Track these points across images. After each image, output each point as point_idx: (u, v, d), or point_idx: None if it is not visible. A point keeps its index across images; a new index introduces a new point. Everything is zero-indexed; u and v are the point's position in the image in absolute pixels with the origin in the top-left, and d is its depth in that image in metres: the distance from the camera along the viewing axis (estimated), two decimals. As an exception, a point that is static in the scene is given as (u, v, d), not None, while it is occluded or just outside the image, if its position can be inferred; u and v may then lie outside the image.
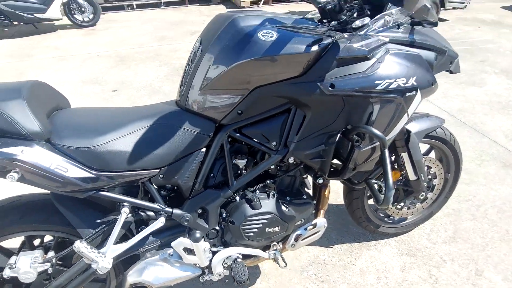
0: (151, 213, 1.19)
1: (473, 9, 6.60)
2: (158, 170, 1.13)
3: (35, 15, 5.05)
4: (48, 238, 1.31)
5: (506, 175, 2.35)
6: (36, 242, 1.29)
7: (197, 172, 1.19)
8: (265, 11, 1.16)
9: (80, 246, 1.04)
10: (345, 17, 1.15)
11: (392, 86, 1.10)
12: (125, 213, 1.12)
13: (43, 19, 5.16)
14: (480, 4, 7.02)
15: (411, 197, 1.71)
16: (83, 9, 5.47)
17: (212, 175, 1.25)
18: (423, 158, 1.65)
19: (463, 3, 5.76)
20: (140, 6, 6.57)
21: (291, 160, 1.25)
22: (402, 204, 1.75)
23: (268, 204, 1.26)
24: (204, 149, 1.18)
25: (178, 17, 6.19)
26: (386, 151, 1.14)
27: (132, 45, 4.79)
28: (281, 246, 1.42)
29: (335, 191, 2.17)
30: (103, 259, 1.08)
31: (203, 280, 1.33)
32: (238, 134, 1.18)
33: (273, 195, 1.28)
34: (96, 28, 5.62)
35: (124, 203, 1.12)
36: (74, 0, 5.31)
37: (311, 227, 1.42)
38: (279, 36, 1.03)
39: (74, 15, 5.50)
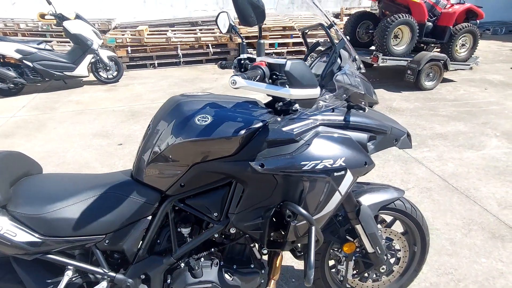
0: (97, 276, 1.27)
1: (482, 70, 6.69)
2: (104, 236, 1.23)
3: (64, 72, 5.62)
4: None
5: (493, 248, 2.25)
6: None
7: (142, 238, 1.27)
8: (213, 95, 1.31)
9: (18, 307, 1.12)
10: (288, 99, 1.27)
11: (319, 166, 1.17)
12: (67, 276, 1.20)
13: (72, 76, 5.72)
14: (490, 65, 7.11)
15: (373, 270, 1.68)
16: (108, 67, 6.04)
17: (158, 242, 1.33)
18: (383, 230, 1.66)
19: (469, 65, 5.87)
20: (160, 65, 7.16)
21: (232, 230, 1.31)
22: (366, 275, 1.73)
23: (210, 273, 1.31)
24: (150, 217, 1.27)
25: (193, 74, 6.66)
26: (313, 228, 1.19)
27: (145, 101, 5.17)
28: (228, 315, 1.42)
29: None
30: (39, 321, 1.15)
31: None
32: (182, 204, 1.27)
33: (217, 264, 1.33)
34: (118, 84, 6.13)
35: (69, 266, 1.21)
36: (101, 59, 5.88)
37: (259, 297, 1.43)
38: (213, 121, 1.16)
39: (100, 73, 6.06)
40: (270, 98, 1.33)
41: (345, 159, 1.21)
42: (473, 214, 2.58)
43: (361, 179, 3.61)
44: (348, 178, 1.23)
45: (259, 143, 1.18)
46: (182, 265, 1.32)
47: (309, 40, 1.52)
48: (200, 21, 8.80)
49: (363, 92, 1.32)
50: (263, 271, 1.44)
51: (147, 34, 7.15)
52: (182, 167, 1.20)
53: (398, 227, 1.76)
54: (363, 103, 1.34)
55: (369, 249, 1.58)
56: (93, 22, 6.98)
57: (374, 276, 1.74)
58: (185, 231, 1.30)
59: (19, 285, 1.25)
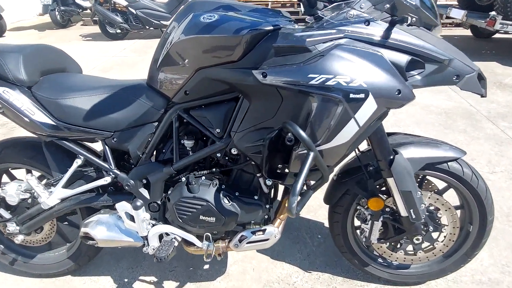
0: (103, 171, 1.32)
1: None
2: (112, 133, 1.26)
3: (161, 21, 6.05)
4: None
5: None
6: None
7: (147, 144, 1.27)
8: (232, 1, 1.18)
9: (29, 179, 1.24)
10: (319, 11, 1.07)
11: (330, 82, 0.96)
12: (76, 164, 1.28)
13: (166, 26, 6.13)
14: None
15: (404, 239, 1.41)
16: (199, 19, 6.29)
17: (162, 150, 1.31)
18: (427, 195, 1.36)
19: None
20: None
21: (234, 151, 1.21)
22: (397, 244, 1.46)
23: (206, 191, 1.25)
24: (156, 123, 1.25)
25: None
26: (311, 154, 1.00)
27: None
28: (226, 243, 1.36)
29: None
30: (47, 196, 1.25)
31: (145, 251, 1.38)
32: (186, 114, 1.21)
33: (216, 185, 1.26)
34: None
35: (79, 155, 1.29)
36: (194, 11, 6.15)
37: (260, 232, 1.33)
38: (218, 19, 1.04)
39: (192, 24, 6.36)
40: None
41: (368, 80, 0.97)
42: None
43: (411, 131, 3.10)
44: (370, 105, 0.99)
45: (265, 49, 1.02)
46: (183, 179, 1.29)
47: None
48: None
49: (413, 3, 1.02)
50: (267, 206, 1.32)
51: (242, -10, 7.14)
52: (186, 71, 1.12)
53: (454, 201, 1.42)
54: (413, 19, 1.04)
55: (402, 211, 1.31)
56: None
57: (409, 248, 1.47)
58: (188, 143, 1.25)
59: (45, 167, 1.39)
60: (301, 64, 0.98)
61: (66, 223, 1.61)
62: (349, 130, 1.02)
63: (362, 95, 0.97)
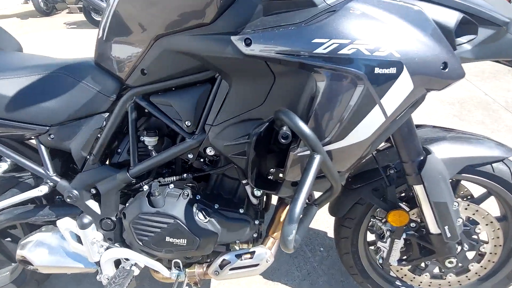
0: (39, 178, 1.01)
1: None
2: (48, 128, 0.94)
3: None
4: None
5: None
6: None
7: (94, 141, 0.95)
8: None
9: None
10: None
11: (345, 50, 0.64)
12: (1, 168, 0.96)
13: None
14: None
15: (433, 261, 1.11)
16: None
17: (117, 151, 0.99)
18: (463, 205, 1.05)
19: None
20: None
21: (210, 152, 0.89)
22: (421, 266, 1.17)
23: (174, 204, 0.93)
24: (106, 115, 0.94)
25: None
26: (317, 158, 0.68)
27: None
28: (203, 268, 1.06)
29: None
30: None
31: (99, 280, 1.07)
32: (145, 102, 0.89)
33: (186, 195, 0.94)
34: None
35: (5, 158, 0.97)
36: None
37: (247, 255, 1.02)
38: (180, -39, 0.71)
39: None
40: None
41: (402, 47, 0.65)
42: None
43: (443, 123, 2.74)
44: (404, 85, 0.67)
45: (249, 5, 0.70)
46: (145, 187, 0.97)
47: None
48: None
49: None
50: (256, 222, 1.01)
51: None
52: (141, 41, 0.80)
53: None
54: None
55: (432, 227, 1.01)
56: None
57: (436, 270, 1.17)
58: (149, 141, 0.93)
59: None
60: (302, 25, 0.66)
61: (8, 239, 1.29)
62: (372, 122, 0.71)
63: (392, 70, 0.65)
